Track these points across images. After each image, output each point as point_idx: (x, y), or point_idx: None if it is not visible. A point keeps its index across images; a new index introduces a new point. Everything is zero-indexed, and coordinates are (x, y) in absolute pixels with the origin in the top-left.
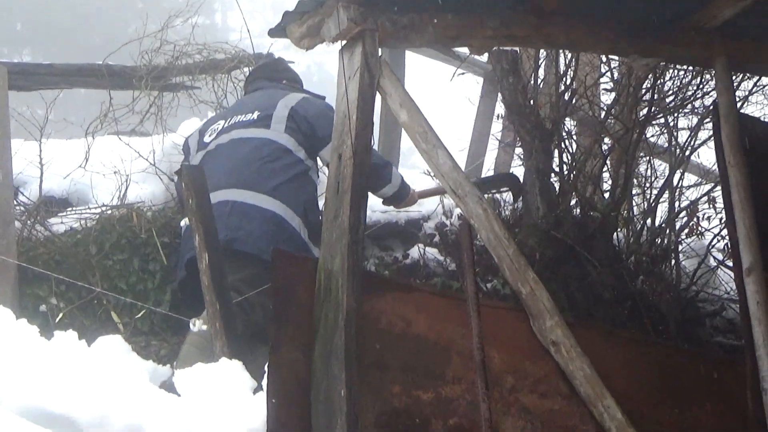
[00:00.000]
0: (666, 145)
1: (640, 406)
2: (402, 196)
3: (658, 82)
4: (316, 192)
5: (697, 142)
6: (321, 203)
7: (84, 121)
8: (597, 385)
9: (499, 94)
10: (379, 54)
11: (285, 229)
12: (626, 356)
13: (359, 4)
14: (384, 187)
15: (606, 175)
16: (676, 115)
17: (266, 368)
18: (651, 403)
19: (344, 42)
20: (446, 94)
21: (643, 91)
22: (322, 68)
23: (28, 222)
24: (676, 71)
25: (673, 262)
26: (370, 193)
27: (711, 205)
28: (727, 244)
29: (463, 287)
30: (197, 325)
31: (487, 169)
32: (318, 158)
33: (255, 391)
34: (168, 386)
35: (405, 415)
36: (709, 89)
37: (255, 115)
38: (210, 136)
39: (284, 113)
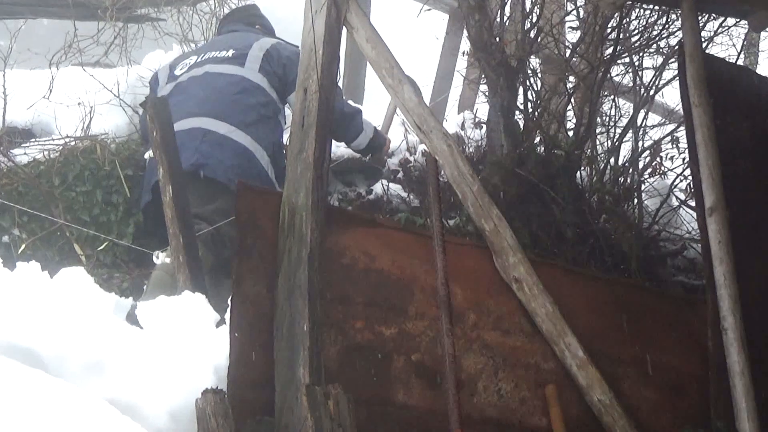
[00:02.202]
0: (631, 84)
1: (602, 344)
2: (377, 145)
3: (624, 21)
4: (282, 137)
5: (662, 81)
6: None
7: (48, 52)
8: (559, 322)
9: (465, 32)
10: None
11: (255, 164)
12: (588, 294)
13: None
14: (357, 137)
15: (570, 113)
16: (641, 54)
17: (229, 302)
18: (612, 340)
19: None
20: (412, 31)
21: (609, 29)
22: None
23: None
24: (642, 10)
25: (635, 201)
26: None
27: (674, 145)
28: (689, 183)
29: (427, 223)
30: (161, 257)
31: (452, 105)
32: (287, 103)
33: (218, 325)
34: (131, 319)
35: (368, 350)
36: (675, 29)
37: (230, 53)
38: (181, 69)
39: (258, 54)
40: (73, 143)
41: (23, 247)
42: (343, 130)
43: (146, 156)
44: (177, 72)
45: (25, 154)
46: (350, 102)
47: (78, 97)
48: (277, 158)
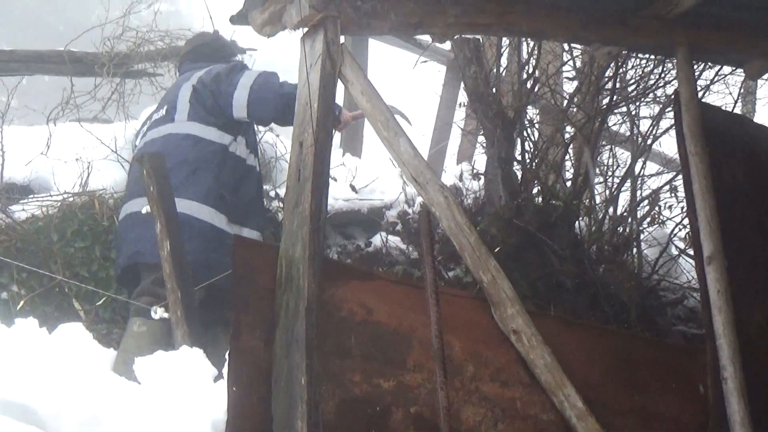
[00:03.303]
0: (628, 133)
1: (601, 395)
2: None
3: (620, 70)
4: (239, 165)
5: (659, 131)
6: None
7: (46, 108)
8: (557, 373)
9: (462, 83)
10: (341, 41)
11: (192, 226)
12: (587, 345)
13: None
14: None
15: (568, 163)
16: (637, 103)
17: (227, 356)
18: (611, 391)
19: (306, 29)
20: (410, 82)
21: (605, 79)
22: (286, 54)
23: None
24: (638, 60)
25: (634, 250)
26: (331, 181)
27: (673, 194)
28: (688, 232)
29: (424, 275)
30: (158, 312)
31: (451, 156)
32: (255, 127)
33: (216, 380)
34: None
35: (366, 403)
36: (671, 78)
37: (164, 110)
38: (143, 129)
39: (186, 96)
40: (71, 199)
41: (22, 303)
42: (292, 114)
43: (143, 211)
44: (144, 130)
45: (23, 210)
46: (288, 81)
47: (76, 153)
48: (227, 198)
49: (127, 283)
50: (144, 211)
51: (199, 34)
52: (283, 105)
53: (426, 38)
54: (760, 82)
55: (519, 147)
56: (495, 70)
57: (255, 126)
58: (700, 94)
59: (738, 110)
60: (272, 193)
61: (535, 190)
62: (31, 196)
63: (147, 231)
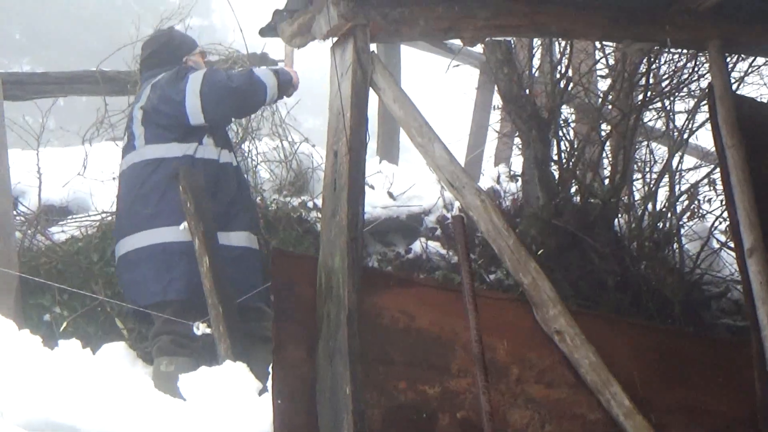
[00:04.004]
0: (664, 128)
1: (647, 392)
2: (286, 84)
3: (653, 66)
4: (210, 168)
5: (695, 124)
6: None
7: (81, 129)
8: (603, 372)
9: (495, 85)
10: (371, 49)
11: (173, 252)
12: (631, 342)
13: (349, 0)
14: (266, 95)
15: (605, 161)
16: (672, 98)
17: (270, 369)
18: (657, 388)
19: (335, 39)
20: (443, 86)
21: (639, 75)
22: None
23: (29, 232)
24: (670, 55)
25: (675, 245)
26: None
27: (711, 187)
28: (728, 225)
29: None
30: (201, 328)
31: (488, 159)
32: (205, 122)
33: (260, 393)
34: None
35: (412, 410)
36: (705, 71)
37: (126, 137)
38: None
39: (139, 121)
40: (109, 218)
41: (65, 325)
42: (251, 102)
43: (181, 228)
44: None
45: (62, 231)
46: (233, 72)
47: (112, 172)
48: (213, 199)
49: (141, 318)
50: (182, 227)
51: (151, 39)
52: (238, 99)
53: (457, 42)
54: None
55: (555, 147)
56: (527, 72)
57: None
58: (734, 87)
59: None
60: (310, 204)
61: (572, 190)
62: (70, 217)
63: (138, 274)
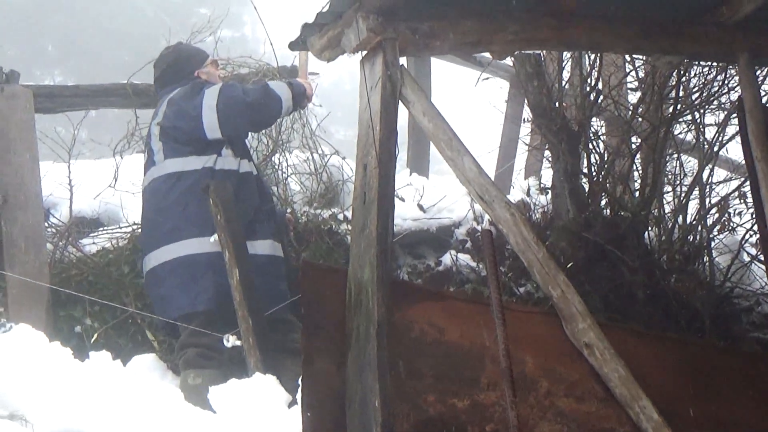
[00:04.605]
0: (694, 141)
1: (677, 406)
2: (300, 96)
3: (683, 78)
4: (231, 179)
5: (726, 137)
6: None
7: (112, 141)
8: (632, 386)
9: (525, 98)
10: (401, 63)
11: (196, 262)
12: (661, 356)
13: (378, 14)
14: (282, 108)
15: (635, 174)
16: (702, 111)
17: (299, 381)
18: (687, 401)
19: (365, 52)
20: (473, 99)
21: (669, 88)
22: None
23: (60, 243)
24: (700, 67)
25: (706, 258)
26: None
27: (742, 200)
28: (759, 238)
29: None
30: (231, 341)
31: (518, 172)
32: (222, 136)
33: (290, 405)
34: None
35: (441, 423)
36: (734, 84)
37: (146, 153)
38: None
39: (157, 137)
40: (140, 230)
41: (95, 336)
42: (266, 116)
43: (212, 240)
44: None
45: (93, 243)
46: (248, 87)
47: (143, 184)
48: (238, 206)
49: (172, 332)
50: (212, 240)
51: (160, 58)
52: (254, 113)
53: (487, 55)
54: None
55: (585, 160)
56: (557, 85)
57: None
58: (764, 99)
59: None
60: (340, 216)
61: (602, 203)
62: (101, 228)
63: (166, 288)
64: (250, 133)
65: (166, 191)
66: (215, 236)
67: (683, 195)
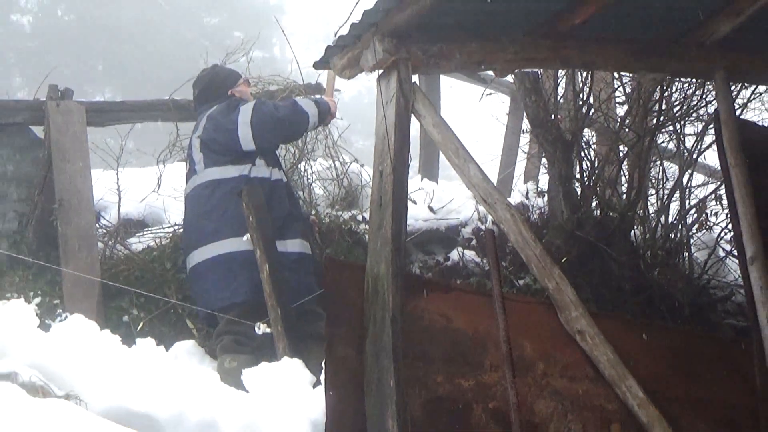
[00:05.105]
0: (675, 149)
1: (659, 386)
2: (325, 114)
3: (665, 93)
4: (264, 186)
5: (703, 145)
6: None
7: (156, 151)
8: (619, 368)
9: (524, 111)
10: (413, 80)
11: (233, 260)
12: (645, 341)
13: (393, 37)
14: (308, 124)
15: (622, 178)
16: (682, 122)
17: (323, 365)
18: (669, 381)
19: (381, 71)
20: (478, 112)
21: (653, 102)
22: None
23: (110, 242)
24: (681, 83)
25: (685, 254)
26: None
27: (718, 202)
28: (733, 236)
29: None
30: (261, 328)
31: (518, 178)
32: (255, 148)
33: (314, 386)
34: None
35: (449, 401)
36: (711, 98)
37: (187, 164)
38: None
39: (197, 149)
40: (181, 230)
41: (141, 325)
42: (295, 130)
43: (244, 239)
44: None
45: (139, 242)
46: (279, 103)
47: (183, 189)
48: (270, 210)
49: (211, 322)
50: (245, 239)
51: (198, 78)
52: (284, 128)
53: (490, 73)
54: None
55: (577, 166)
56: (553, 99)
57: None
58: (738, 112)
59: None
60: (359, 217)
61: (593, 204)
62: (146, 229)
63: (208, 282)
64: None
65: (207, 197)
66: (247, 236)
67: (665, 197)
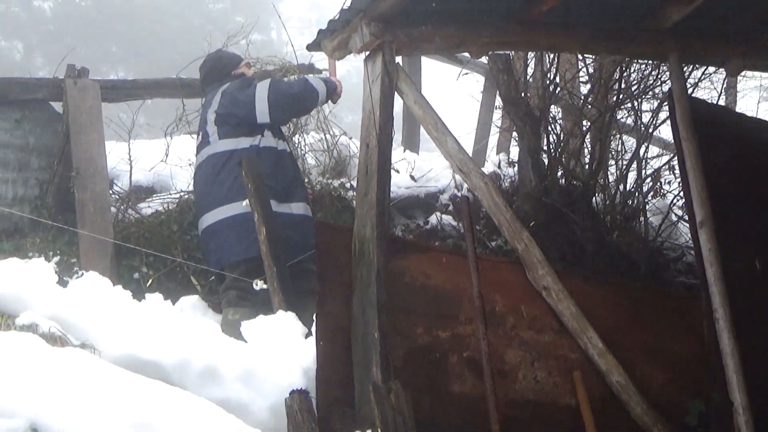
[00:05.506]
0: (633, 124)
1: (617, 336)
2: (332, 92)
3: (624, 74)
4: (271, 155)
5: (658, 121)
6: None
7: (164, 125)
8: (581, 321)
9: (497, 89)
10: (397, 61)
11: (249, 219)
12: (604, 296)
13: (378, 22)
14: (318, 99)
15: (585, 150)
16: (640, 100)
17: (314, 317)
18: (626, 333)
19: (367, 53)
20: (455, 90)
21: (613, 81)
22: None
23: (122, 207)
24: (638, 65)
25: (642, 219)
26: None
27: (671, 172)
28: (684, 202)
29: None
30: (259, 284)
31: (491, 149)
32: (270, 121)
33: (306, 336)
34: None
35: (428, 350)
36: (666, 78)
37: (200, 136)
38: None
39: (212, 122)
40: (186, 196)
41: (150, 281)
42: (306, 105)
43: (243, 204)
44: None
45: (148, 207)
46: (292, 80)
47: (189, 160)
48: (274, 179)
49: (220, 279)
50: (244, 204)
51: (204, 62)
52: (296, 103)
53: (466, 55)
54: (738, 78)
55: (545, 139)
56: (523, 78)
57: None
58: (690, 91)
59: (722, 102)
60: (347, 185)
61: (559, 174)
62: (155, 195)
63: (222, 239)
64: None
65: (222, 164)
66: (246, 201)
67: (624, 167)
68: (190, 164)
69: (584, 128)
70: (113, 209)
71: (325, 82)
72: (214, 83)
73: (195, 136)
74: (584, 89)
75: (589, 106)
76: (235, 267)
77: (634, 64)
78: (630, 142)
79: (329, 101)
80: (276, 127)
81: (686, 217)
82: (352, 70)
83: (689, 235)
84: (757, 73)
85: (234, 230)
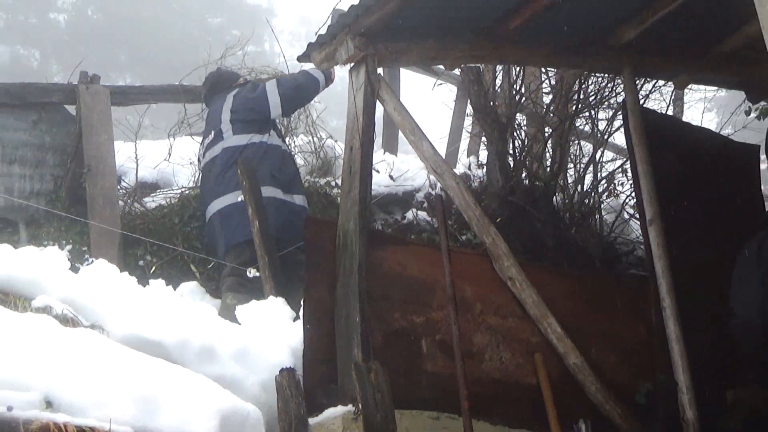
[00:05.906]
0: (590, 131)
1: (574, 322)
2: (328, 80)
3: (583, 85)
4: (277, 152)
5: (613, 128)
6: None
7: (167, 126)
8: (542, 308)
9: (468, 98)
10: (378, 72)
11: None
12: (563, 286)
13: (362, 36)
14: (320, 87)
15: (547, 154)
16: (596, 109)
17: (302, 303)
18: (582, 319)
19: (352, 64)
20: (431, 98)
21: (572, 92)
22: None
23: (128, 201)
24: (595, 77)
25: (597, 216)
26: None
27: (624, 174)
28: (635, 202)
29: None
30: (252, 272)
31: (462, 152)
32: (276, 121)
33: (294, 320)
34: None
35: (404, 333)
36: (620, 90)
37: (212, 134)
38: (202, 153)
39: (227, 119)
40: (187, 192)
41: (153, 269)
42: (311, 92)
43: (238, 199)
44: (203, 153)
45: (152, 201)
46: (294, 74)
47: (189, 159)
48: (278, 176)
49: (218, 267)
50: (239, 199)
51: (207, 78)
52: (303, 91)
53: (441, 67)
54: (685, 90)
55: (511, 144)
56: (492, 89)
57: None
58: (641, 102)
59: (670, 112)
60: (333, 183)
61: (523, 175)
62: (158, 190)
63: (235, 221)
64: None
65: (236, 157)
66: (241, 196)
67: (582, 170)
68: (190, 163)
69: (546, 134)
70: (121, 203)
71: (320, 71)
72: (220, 93)
73: (195, 137)
74: (547, 99)
75: (551, 115)
76: (245, 246)
77: (592, 77)
78: (587, 147)
79: (327, 86)
80: (277, 129)
81: (637, 215)
82: (337, 79)
83: (640, 231)
84: (701, 87)
85: (244, 214)
